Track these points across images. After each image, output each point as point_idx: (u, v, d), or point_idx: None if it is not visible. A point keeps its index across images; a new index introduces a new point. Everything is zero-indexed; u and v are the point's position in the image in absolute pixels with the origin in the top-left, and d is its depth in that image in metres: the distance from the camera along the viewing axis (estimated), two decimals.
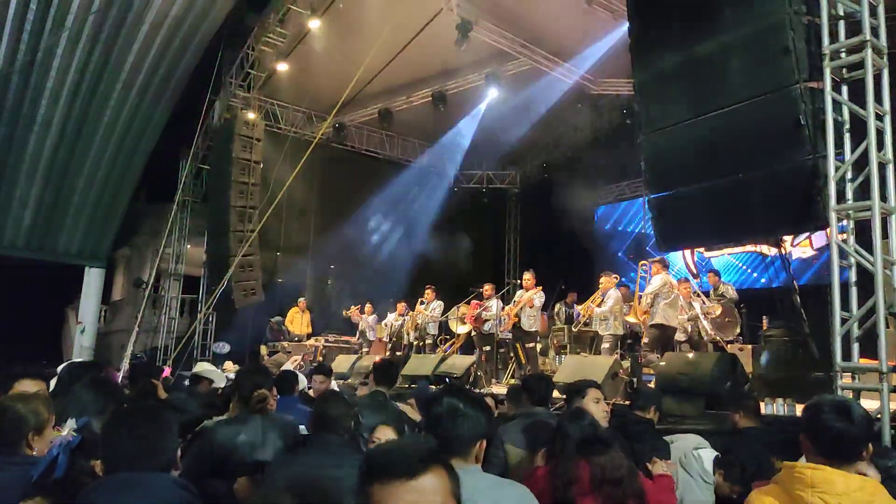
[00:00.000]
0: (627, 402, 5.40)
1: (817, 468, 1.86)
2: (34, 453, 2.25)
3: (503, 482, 2.03)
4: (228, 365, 10.95)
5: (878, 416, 4.30)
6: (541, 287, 9.48)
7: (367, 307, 12.31)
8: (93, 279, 14.39)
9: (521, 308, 9.38)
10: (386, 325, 11.81)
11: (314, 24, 11.63)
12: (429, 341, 10.96)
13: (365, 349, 11.85)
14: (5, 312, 16.23)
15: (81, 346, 13.71)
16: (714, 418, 5.38)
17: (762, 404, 5.71)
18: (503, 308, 9.92)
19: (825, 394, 2.17)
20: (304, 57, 12.69)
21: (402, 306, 11.60)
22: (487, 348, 10.08)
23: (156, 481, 1.76)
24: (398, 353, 11.09)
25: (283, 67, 12.87)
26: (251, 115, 13.16)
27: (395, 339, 11.55)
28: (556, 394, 5.24)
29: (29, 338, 15.88)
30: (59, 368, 3.84)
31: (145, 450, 1.81)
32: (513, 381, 9.49)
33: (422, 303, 11.11)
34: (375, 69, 12.34)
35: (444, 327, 11.42)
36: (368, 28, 10.90)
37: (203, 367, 5.34)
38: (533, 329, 9.43)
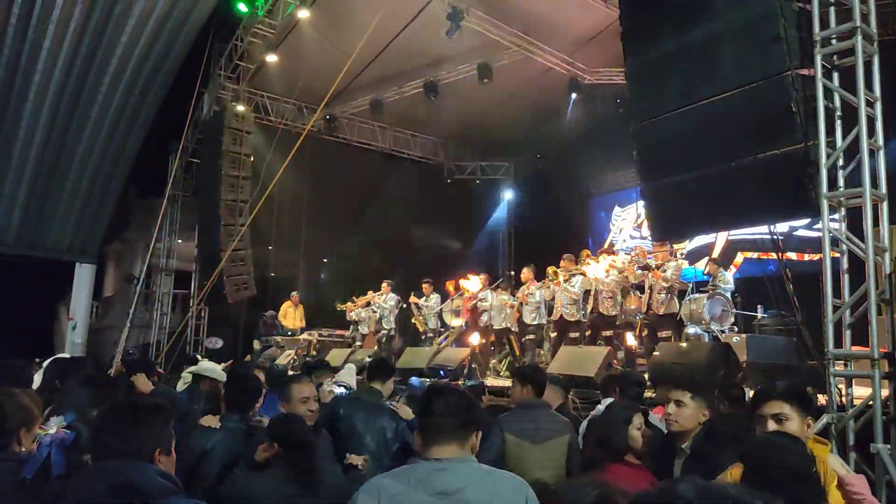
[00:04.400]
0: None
1: None
2: (23, 450, 2.23)
3: (497, 472, 2.03)
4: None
5: (870, 402, 4.32)
6: (536, 282, 9.54)
7: (360, 300, 12.28)
8: (83, 275, 14.28)
9: (521, 303, 9.49)
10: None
11: (303, 14, 11.52)
12: (430, 335, 11.01)
13: (358, 343, 11.82)
14: None
15: (73, 342, 13.62)
16: None
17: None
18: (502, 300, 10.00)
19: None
20: (293, 48, 12.58)
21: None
22: (482, 340, 10.09)
23: (137, 470, 1.77)
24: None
25: (272, 59, 12.76)
26: (241, 108, 13.05)
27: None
28: None
29: (20, 334, 15.77)
30: (45, 363, 3.79)
31: (126, 441, 1.82)
32: (507, 373, 9.50)
33: (425, 298, 11.16)
34: (366, 60, 12.25)
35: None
36: (358, 18, 10.81)
37: (203, 367, 5.05)
38: (535, 322, 9.46)
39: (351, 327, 12.48)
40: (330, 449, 3.27)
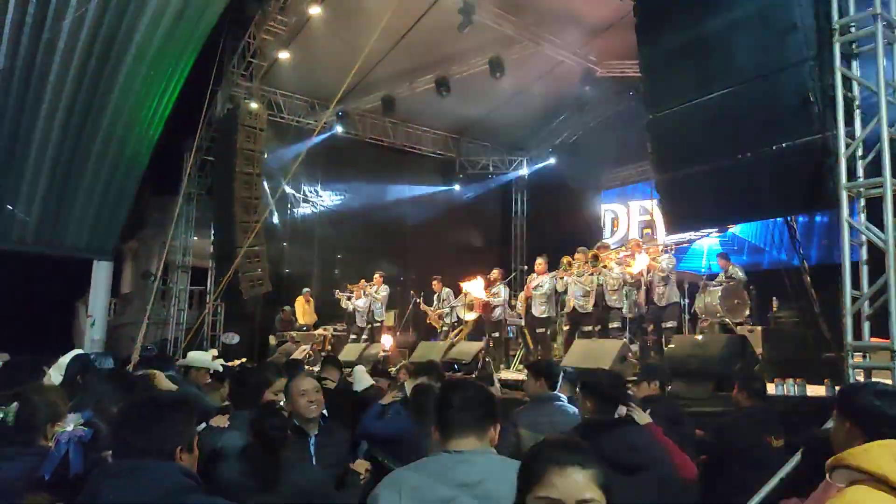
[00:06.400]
0: None
1: None
2: (50, 445, 2.24)
3: (517, 464, 2.04)
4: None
5: None
6: (549, 273, 9.51)
7: (356, 292, 12.29)
8: (101, 272, 14.46)
9: (528, 297, 9.49)
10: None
11: (315, 10, 11.54)
12: (446, 328, 11.06)
13: (364, 337, 11.83)
14: (16, 307, 16.35)
15: (92, 339, 13.80)
16: (723, 400, 5.35)
17: (772, 385, 5.70)
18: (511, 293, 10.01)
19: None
20: (305, 45, 12.60)
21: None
22: (496, 334, 10.10)
23: (160, 468, 1.75)
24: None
25: (284, 56, 12.79)
26: (254, 105, 13.10)
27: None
28: None
29: (40, 332, 15.99)
30: (63, 359, 3.80)
31: (149, 438, 1.79)
32: (521, 367, 9.50)
33: (437, 295, 11.19)
34: (377, 56, 12.24)
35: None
36: (370, 14, 10.79)
37: (191, 358, 4.91)
38: (544, 315, 9.43)
39: (357, 318, 12.49)
40: (337, 443, 3.27)
